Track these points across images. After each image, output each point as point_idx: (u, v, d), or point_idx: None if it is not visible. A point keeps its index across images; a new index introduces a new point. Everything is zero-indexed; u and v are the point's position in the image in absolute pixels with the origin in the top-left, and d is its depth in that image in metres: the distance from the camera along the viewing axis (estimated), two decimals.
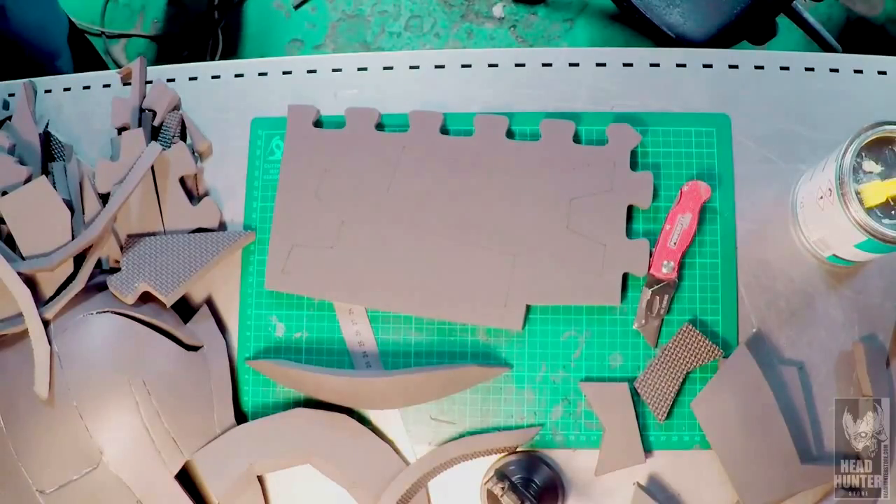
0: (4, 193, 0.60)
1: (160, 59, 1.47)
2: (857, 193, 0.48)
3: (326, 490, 0.57)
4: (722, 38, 0.90)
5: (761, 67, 0.62)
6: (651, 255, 0.57)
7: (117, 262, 0.61)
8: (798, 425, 0.55)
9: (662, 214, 0.59)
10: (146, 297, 0.58)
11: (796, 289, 0.58)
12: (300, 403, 0.59)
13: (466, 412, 0.58)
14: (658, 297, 0.57)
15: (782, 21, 0.96)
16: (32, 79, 0.68)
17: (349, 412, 0.58)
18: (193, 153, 0.64)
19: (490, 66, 0.64)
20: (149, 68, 0.67)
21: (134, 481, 0.53)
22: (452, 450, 0.56)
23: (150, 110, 0.65)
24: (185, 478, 0.56)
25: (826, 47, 1.10)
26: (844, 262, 0.56)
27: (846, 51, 1.10)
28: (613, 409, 0.56)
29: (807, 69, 0.62)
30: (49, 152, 0.65)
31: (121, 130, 0.64)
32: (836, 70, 0.62)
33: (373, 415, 0.59)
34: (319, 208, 0.61)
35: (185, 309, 0.61)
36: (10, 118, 0.66)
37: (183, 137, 0.65)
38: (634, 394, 0.56)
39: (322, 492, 0.58)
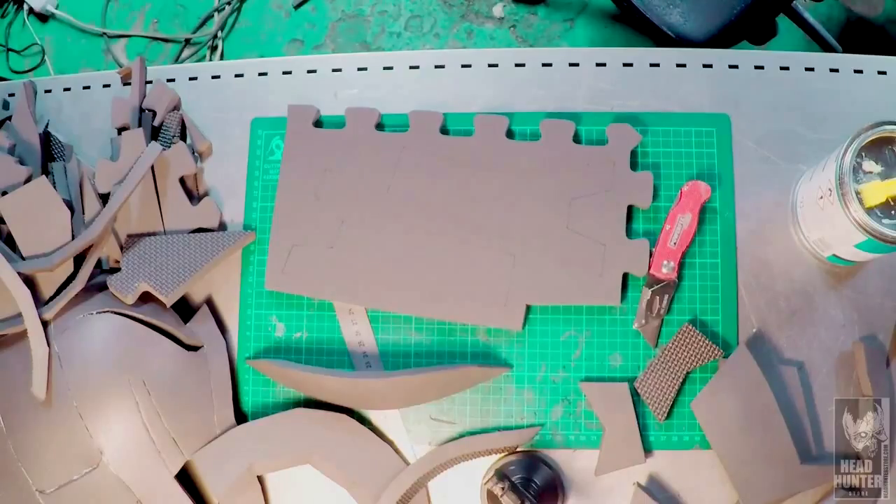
0: (4, 193, 0.60)
1: (160, 59, 1.47)
2: (857, 193, 0.48)
3: (326, 490, 0.57)
4: (722, 38, 0.90)
5: (761, 67, 0.62)
6: (651, 255, 0.57)
7: (117, 262, 0.61)
8: (798, 425, 0.55)
9: (662, 214, 0.59)
10: (146, 297, 0.58)
11: (796, 289, 0.58)
12: (300, 403, 0.59)
13: (466, 412, 0.58)
14: (658, 297, 0.57)
15: (782, 21, 0.96)
16: (32, 79, 0.68)
17: (349, 412, 0.58)
18: (193, 153, 0.64)
19: (490, 66, 0.64)
20: (149, 68, 0.67)
21: (134, 481, 0.53)
22: (452, 450, 0.56)
23: (150, 110, 0.65)
24: (185, 478, 0.56)
25: (826, 47, 1.10)
26: (844, 262, 0.56)
27: (846, 51, 1.10)
28: (613, 409, 0.56)
29: (807, 69, 0.62)
30: (49, 152, 0.65)
31: (121, 130, 0.64)
32: (836, 70, 0.61)
33: (373, 415, 0.59)
34: (319, 208, 0.61)
35: (185, 309, 0.61)
36: (10, 118, 0.66)
37: (183, 137, 0.65)
38: (634, 394, 0.56)
39: (322, 492, 0.58)
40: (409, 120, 0.62)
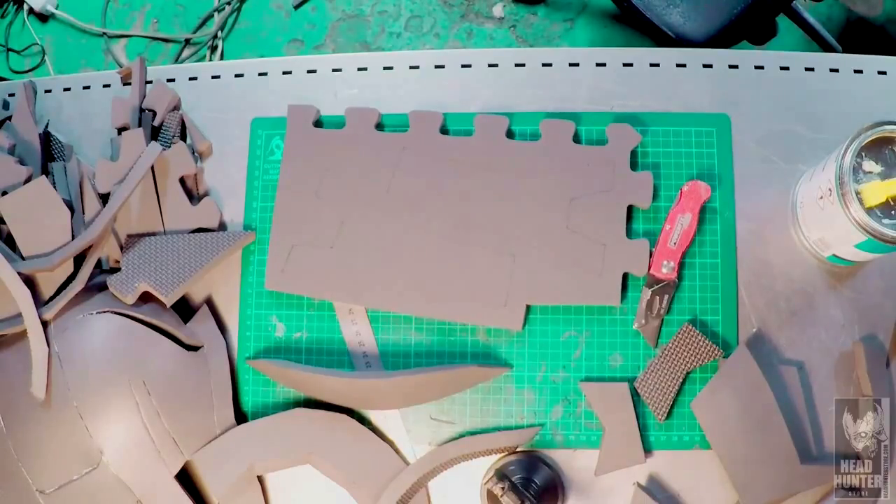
0: (4, 193, 0.60)
1: (160, 59, 1.47)
2: (857, 193, 0.48)
3: (326, 490, 0.57)
4: (722, 38, 0.90)
5: (761, 67, 0.62)
6: (651, 255, 0.57)
7: (117, 262, 0.61)
8: (798, 425, 0.55)
9: (662, 214, 0.59)
10: (146, 297, 0.59)
11: (796, 289, 0.58)
12: (300, 403, 0.59)
13: (466, 412, 0.58)
14: (658, 297, 0.57)
15: (782, 21, 0.96)
16: (32, 79, 0.68)
17: (349, 412, 0.58)
18: (193, 153, 0.64)
19: (490, 66, 0.64)
20: (149, 68, 0.67)
21: (134, 481, 0.53)
22: (452, 450, 0.56)
23: (150, 110, 0.65)
24: (185, 478, 0.56)
25: (826, 47, 1.10)
26: (844, 262, 0.56)
27: (846, 51, 1.10)
28: (613, 409, 0.56)
29: (807, 69, 0.62)
30: (49, 152, 0.65)
31: (121, 130, 0.64)
32: (836, 70, 0.61)
33: (373, 415, 0.59)
34: (319, 208, 0.61)
35: (185, 309, 0.61)
36: (10, 118, 0.66)
37: (183, 137, 0.65)
38: (634, 394, 0.56)
39: (322, 492, 0.58)
40: (409, 120, 0.62)
